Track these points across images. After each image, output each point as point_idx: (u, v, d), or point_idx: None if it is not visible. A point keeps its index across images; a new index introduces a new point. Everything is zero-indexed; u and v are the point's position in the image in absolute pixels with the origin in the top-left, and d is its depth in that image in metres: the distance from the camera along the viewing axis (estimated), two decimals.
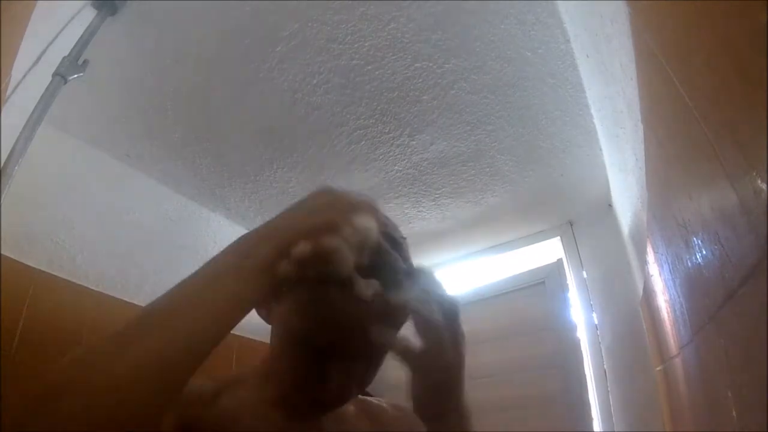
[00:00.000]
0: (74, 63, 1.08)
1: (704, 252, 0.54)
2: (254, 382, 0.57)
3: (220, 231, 2.05)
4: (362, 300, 0.44)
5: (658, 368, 1.30)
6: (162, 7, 1.14)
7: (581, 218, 2.17)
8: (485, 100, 1.43)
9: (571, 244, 2.16)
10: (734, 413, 0.52)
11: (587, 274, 2.05)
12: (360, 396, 0.59)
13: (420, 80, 1.34)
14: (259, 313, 0.54)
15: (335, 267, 0.41)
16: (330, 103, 1.42)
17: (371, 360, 0.52)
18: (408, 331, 0.51)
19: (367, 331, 0.46)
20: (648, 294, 1.23)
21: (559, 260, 2.17)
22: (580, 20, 1.05)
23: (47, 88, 1.04)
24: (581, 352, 1.95)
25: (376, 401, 0.65)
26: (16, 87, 1.02)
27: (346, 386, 0.51)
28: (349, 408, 0.60)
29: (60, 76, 1.06)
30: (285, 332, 0.52)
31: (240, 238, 0.43)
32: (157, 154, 1.65)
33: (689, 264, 0.62)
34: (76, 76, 1.09)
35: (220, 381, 0.57)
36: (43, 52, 1.10)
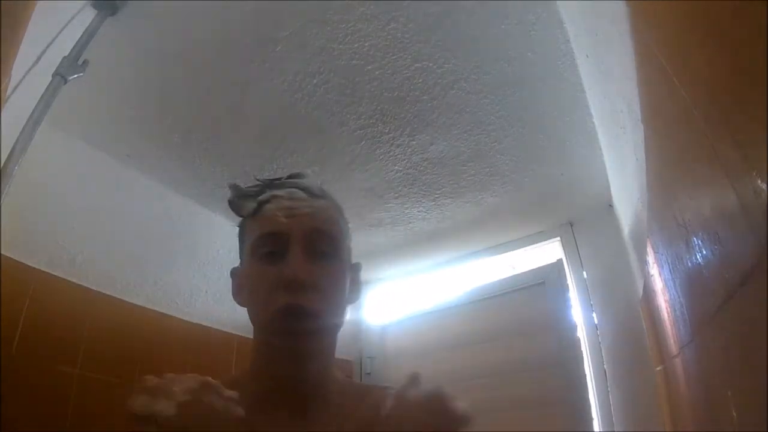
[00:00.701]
0: (74, 63, 1.08)
1: (704, 252, 0.54)
2: (243, 382, 0.58)
3: (220, 231, 2.05)
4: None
5: (658, 368, 1.30)
6: (162, 7, 1.14)
7: (581, 218, 2.16)
8: (485, 100, 1.43)
9: (571, 245, 2.15)
10: (734, 413, 0.52)
11: (587, 274, 2.05)
12: (364, 384, 0.61)
13: (420, 80, 1.34)
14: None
15: None
16: (330, 103, 1.42)
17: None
18: None
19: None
20: (648, 294, 1.23)
21: (559, 260, 2.17)
22: (580, 20, 1.05)
23: (47, 88, 1.04)
24: (581, 352, 1.94)
25: (381, 390, 0.61)
26: (16, 87, 1.02)
27: (301, 364, 0.54)
28: (343, 401, 0.59)
29: (60, 76, 1.06)
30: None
31: None
32: (157, 154, 1.65)
33: (689, 264, 0.62)
34: (76, 76, 1.09)
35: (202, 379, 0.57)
36: (43, 52, 1.09)
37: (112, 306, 1.50)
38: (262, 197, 0.58)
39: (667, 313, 0.94)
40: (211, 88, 1.36)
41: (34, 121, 1.00)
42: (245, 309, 0.62)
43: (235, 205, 0.60)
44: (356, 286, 0.63)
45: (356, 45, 1.22)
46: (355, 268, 0.64)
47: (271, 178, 0.61)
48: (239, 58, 1.26)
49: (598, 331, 1.93)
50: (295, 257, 0.52)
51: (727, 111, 0.41)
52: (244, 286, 0.59)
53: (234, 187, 0.61)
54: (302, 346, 0.54)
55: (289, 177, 0.61)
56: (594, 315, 1.96)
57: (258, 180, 0.61)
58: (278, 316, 0.51)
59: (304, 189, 0.58)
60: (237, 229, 0.63)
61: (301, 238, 0.53)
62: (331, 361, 0.58)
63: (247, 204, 0.59)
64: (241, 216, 0.61)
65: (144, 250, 1.69)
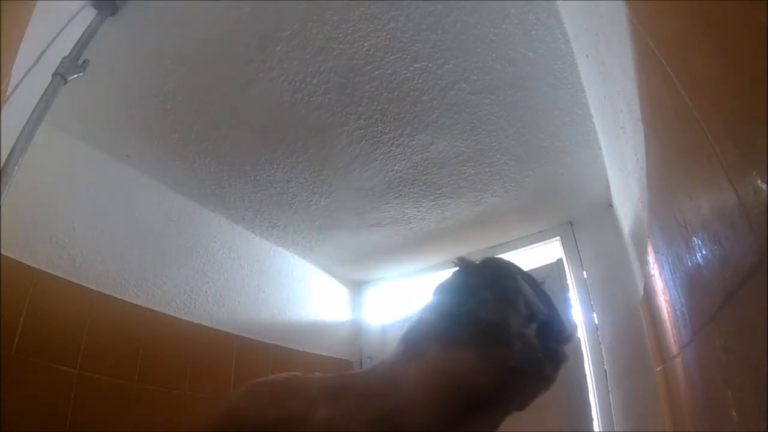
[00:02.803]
0: (74, 63, 1.08)
1: (704, 252, 0.54)
2: (353, 396, 0.55)
3: (220, 231, 2.05)
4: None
5: (658, 368, 1.30)
6: (162, 7, 1.14)
7: (581, 218, 2.17)
8: (485, 100, 1.43)
9: (571, 244, 2.15)
10: (734, 413, 0.52)
11: (587, 274, 2.05)
12: None
13: (420, 80, 1.34)
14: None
15: None
16: (330, 103, 1.42)
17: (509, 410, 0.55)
18: None
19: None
20: (648, 294, 1.23)
21: (559, 260, 2.17)
22: (580, 20, 1.05)
23: (47, 88, 1.04)
24: (581, 352, 1.95)
25: None
26: (16, 87, 1.02)
27: None
28: None
29: (60, 76, 1.06)
30: (450, 381, 0.52)
31: None
32: (157, 154, 1.65)
33: (689, 264, 0.62)
34: (76, 76, 1.09)
35: (325, 384, 0.57)
36: (43, 52, 1.09)
37: (112, 306, 1.50)
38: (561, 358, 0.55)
39: (668, 313, 0.94)
40: (211, 88, 1.36)
41: (34, 121, 1.00)
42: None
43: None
44: None
45: (356, 45, 1.22)
46: None
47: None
48: (239, 58, 1.26)
49: (599, 331, 1.93)
50: None
51: (727, 111, 0.41)
52: None
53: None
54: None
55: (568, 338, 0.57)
56: (594, 315, 1.96)
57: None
58: None
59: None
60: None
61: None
62: None
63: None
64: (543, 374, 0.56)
65: (144, 250, 1.70)
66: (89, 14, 1.12)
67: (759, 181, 0.34)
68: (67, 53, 1.08)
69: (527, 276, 0.59)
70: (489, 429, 0.54)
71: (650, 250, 1.01)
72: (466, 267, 0.60)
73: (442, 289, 0.60)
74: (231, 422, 0.52)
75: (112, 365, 1.43)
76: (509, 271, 0.59)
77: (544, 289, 0.58)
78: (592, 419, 1.81)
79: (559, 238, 2.23)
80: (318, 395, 0.55)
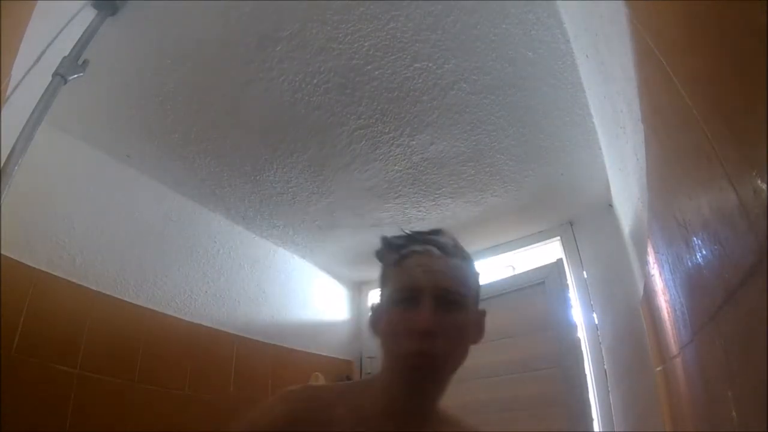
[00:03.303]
0: (74, 63, 1.08)
1: (704, 252, 0.54)
2: (370, 392, 0.67)
3: (220, 231, 2.05)
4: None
5: (658, 368, 1.30)
6: (162, 7, 1.14)
7: (581, 218, 2.17)
8: (485, 100, 1.43)
9: (571, 244, 2.16)
10: (734, 413, 0.52)
11: (587, 274, 2.05)
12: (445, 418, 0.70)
13: (420, 80, 1.34)
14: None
15: None
16: (330, 103, 1.42)
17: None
18: None
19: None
20: (648, 294, 1.23)
21: (559, 260, 2.17)
22: (580, 20, 1.04)
23: (47, 88, 1.04)
24: (581, 352, 1.95)
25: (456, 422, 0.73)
26: (16, 87, 1.02)
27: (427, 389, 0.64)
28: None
29: (60, 76, 1.06)
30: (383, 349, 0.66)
31: None
32: (157, 154, 1.65)
33: (689, 264, 0.62)
34: (76, 76, 1.09)
35: (340, 388, 0.72)
36: (43, 52, 1.09)
37: (112, 306, 1.50)
38: (403, 251, 0.67)
39: (668, 313, 0.94)
40: (211, 88, 1.36)
41: (34, 121, 1.00)
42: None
43: (381, 255, 0.70)
44: (479, 329, 0.73)
45: (356, 45, 1.22)
46: (480, 314, 0.74)
47: (415, 231, 0.69)
48: (239, 58, 1.26)
49: (598, 331, 1.93)
50: (426, 309, 0.62)
51: (727, 111, 0.41)
52: (380, 322, 0.68)
53: (383, 239, 0.70)
54: (423, 385, 0.64)
55: (430, 233, 0.69)
56: (594, 315, 1.96)
57: (403, 231, 0.70)
58: (409, 358, 0.62)
59: (440, 248, 0.66)
60: (380, 271, 0.72)
61: (432, 292, 0.63)
62: (441, 396, 0.67)
63: (390, 256, 0.68)
64: (385, 265, 0.69)
65: (144, 250, 1.70)
66: (89, 14, 1.12)
67: (759, 181, 0.34)
68: (67, 53, 1.08)
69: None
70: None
71: (650, 250, 1.01)
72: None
73: None
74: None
75: (112, 365, 1.43)
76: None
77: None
78: (592, 419, 1.81)
79: (559, 238, 2.23)
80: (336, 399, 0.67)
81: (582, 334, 1.98)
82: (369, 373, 2.61)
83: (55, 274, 1.37)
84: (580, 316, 2.00)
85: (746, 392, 0.48)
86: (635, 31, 0.66)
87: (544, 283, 2.18)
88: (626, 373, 1.76)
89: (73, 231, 1.46)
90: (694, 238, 0.57)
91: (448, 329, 0.63)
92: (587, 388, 1.88)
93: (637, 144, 0.86)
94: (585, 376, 1.90)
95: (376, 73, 1.31)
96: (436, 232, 0.69)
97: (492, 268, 2.59)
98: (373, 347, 2.69)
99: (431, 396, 0.66)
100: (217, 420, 1.63)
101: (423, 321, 0.61)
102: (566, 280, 2.10)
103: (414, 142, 1.62)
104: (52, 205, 1.43)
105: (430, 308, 0.62)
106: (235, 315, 1.97)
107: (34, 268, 1.32)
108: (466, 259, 0.71)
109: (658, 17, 0.56)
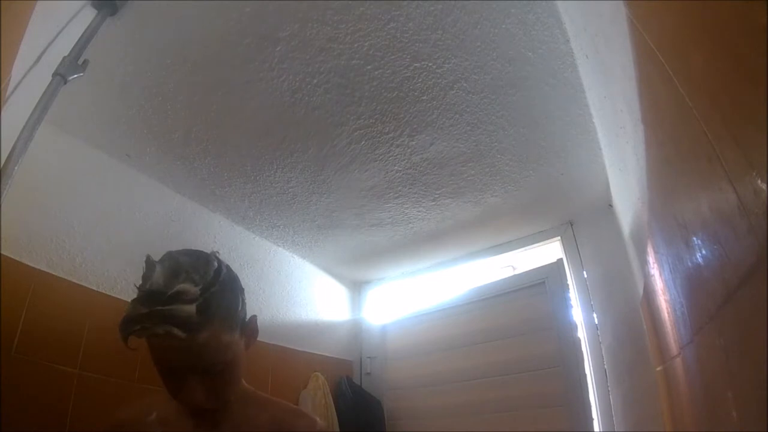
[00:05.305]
0: (74, 63, 1.08)
1: (704, 252, 0.54)
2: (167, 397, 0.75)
3: (220, 231, 2.05)
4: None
5: (658, 368, 1.30)
6: (162, 7, 1.14)
7: (581, 218, 2.17)
8: (485, 100, 1.43)
9: (572, 244, 2.16)
10: (734, 413, 0.52)
11: (587, 274, 2.05)
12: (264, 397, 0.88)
13: (420, 80, 1.34)
14: None
15: None
16: (330, 103, 1.42)
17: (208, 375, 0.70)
18: None
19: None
20: (648, 294, 1.23)
21: (559, 260, 2.17)
22: (580, 20, 1.04)
23: (47, 88, 1.04)
24: (581, 352, 1.95)
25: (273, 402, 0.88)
26: (16, 87, 1.02)
27: (199, 393, 0.70)
28: (250, 411, 0.83)
29: (60, 76, 1.06)
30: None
31: None
32: (157, 154, 1.65)
33: (689, 264, 0.62)
34: (76, 76, 1.08)
35: (156, 400, 0.81)
36: (43, 52, 1.09)
37: (112, 306, 1.50)
38: (142, 334, 0.67)
39: (668, 313, 0.94)
40: (211, 88, 1.36)
41: (34, 121, 0.99)
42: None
43: (124, 325, 0.68)
44: (252, 333, 0.86)
45: (356, 45, 1.22)
46: (250, 322, 0.87)
47: (154, 297, 0.69)
48: (239, 58, 1.26)
49: (599, 331, 1.93)
50: (192, 388, 0.69)
51: (727, 111, 0.41)
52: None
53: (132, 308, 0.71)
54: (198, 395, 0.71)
55: (171, 298, 0.67)
56: (594, 315, 1.96)
57: (144, 294, 0.70)
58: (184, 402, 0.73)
59: (181, 325, 0.65)
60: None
61: (191, 370, 0.69)
62: (234, 384, 0.78)
63: (129, 329, 0.68)
64: (123, 337, 0.68)
65: (144, 250, 1.69)
66: (89, 14, 1.12)
67: (759, 181, 0.34)
68: (67, 53, 1.08)
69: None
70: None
71: (650, 250, 1.01)
72: None
73: None
74: None
75: (112, 365, 1.43)
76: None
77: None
78: (592, 419, 1.82)
79: (559, 238, 2.23)
80: None
81: (582, 333, 1.98)
82: (369, 374, 2.61)
83: (55, 274, 1.37)
84: (580, 315, 2.01)
85: (746, 392, 0.48)
86: (635, 31, 0.66)
87: (544, 283, 2.18)
88: (626, 373, 1.76)
89: (73, 231, 1.46)
90: (694, 238, 0.57)
91: (212, 384, 0.72)
92: (587, 387, 1.88)
93: (637, 144, 0.86)
94: (585, 375, 1.90)
95: (376, 73, 1.31)
96: (177, 294, 0.68)
97: (492, 268, 2.60)
98: (373, 347, 2.70)
99: (221, 393, 0.74)
100: None
101: (197, 400, 0.69)
102: (566, 280, 2.10)
103: (414, 143, 1.62)
104: (52, 205, 1.43)
105: (196, 384, 0.69)
106: None
107: (34, 268, 1.32)
108: (216, 295, 0.72)
109: (658, 17, 0.56)
